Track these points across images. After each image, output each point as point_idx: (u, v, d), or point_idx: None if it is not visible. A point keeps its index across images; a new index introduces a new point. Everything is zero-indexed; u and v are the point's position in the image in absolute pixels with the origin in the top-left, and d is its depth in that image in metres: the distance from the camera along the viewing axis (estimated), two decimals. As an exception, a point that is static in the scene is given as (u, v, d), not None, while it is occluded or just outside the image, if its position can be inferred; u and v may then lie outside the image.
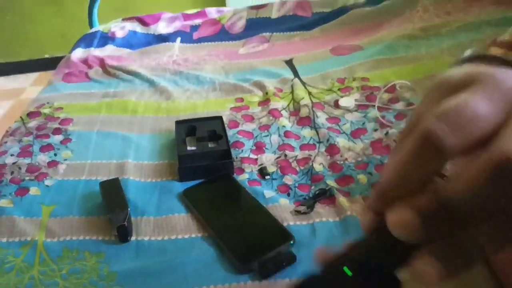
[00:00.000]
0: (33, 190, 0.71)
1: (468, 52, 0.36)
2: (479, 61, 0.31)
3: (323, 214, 0.62)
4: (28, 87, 2.85)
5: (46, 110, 0.93)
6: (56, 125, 0.87)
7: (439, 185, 0.20)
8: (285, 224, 0.60)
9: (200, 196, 0.66)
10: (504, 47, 0.39)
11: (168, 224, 0.62)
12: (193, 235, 0.60)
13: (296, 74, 1.00)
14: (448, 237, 0.20)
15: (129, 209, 0.61)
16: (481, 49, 0.39)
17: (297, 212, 0.62)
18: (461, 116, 0.19)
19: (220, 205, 0.65)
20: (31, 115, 0.92)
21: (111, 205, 0.62)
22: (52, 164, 0.77)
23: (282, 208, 0.63)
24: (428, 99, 0.22)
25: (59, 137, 0.84)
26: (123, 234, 0.59)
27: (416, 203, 0.20)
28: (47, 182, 0.72)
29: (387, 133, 0.76)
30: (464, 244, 0.20)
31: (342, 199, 0.63)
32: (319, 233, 0.59)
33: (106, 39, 1.27)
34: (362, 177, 0.68)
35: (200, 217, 0.62)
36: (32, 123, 0.89)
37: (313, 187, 0.67)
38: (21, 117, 0.92)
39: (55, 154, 0.79)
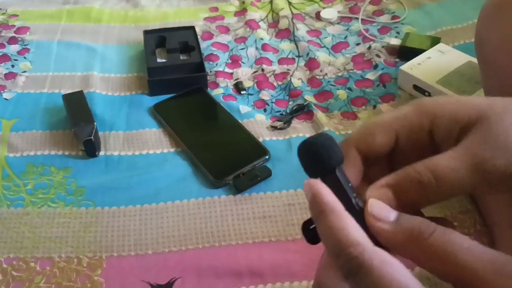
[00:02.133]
0: (-9, 104, 0.66)
1: None
2: None
3: (300, 129, 0.60)
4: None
5: (-1, 17, 0.84)
6: (11, 34, 0.79)
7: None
8: (260, 139, 0.58)
9: (172, 111, 0.63)
10: None
11: (138, 139, 0.60)
12: (165, 150, 0.58)
13: (275, -18, 0.92)
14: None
15: (95, 123, 0.58)
16: None
17: (274, 128, 0.60)
18: None
19: (193, 120, 0.62)
20: (-18, 22, 0.83)
21: (76, 119, 0.58)
22: (10, 76, 0.71)
23: (258, 123, 0.61)
24: None
25: (16, 47, 0.76)
26: (91, 148, 0.56)
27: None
28: (6, 95, 0.67)
29: (369, 47, 0.73)
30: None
31: (320, 115, 0.61)
32: (296, 148, 0.57)
33: None
34: (341, 93, 0.66)
35: (173, 132, 0.59)
36: (-16, 31, 0.80)
37: (290, 103, 0.65)
38: (-29, 24, 0.83)
39: (13, 66, 0.73)
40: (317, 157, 0.25)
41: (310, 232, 0.25)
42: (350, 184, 0.25)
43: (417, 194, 0.23)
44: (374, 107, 0.63)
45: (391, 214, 0.22)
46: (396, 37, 0.74)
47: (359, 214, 0.23)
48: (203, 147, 0.57)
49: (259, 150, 0.56)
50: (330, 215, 0.22)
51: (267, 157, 0.55)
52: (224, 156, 0.56)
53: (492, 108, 0.23)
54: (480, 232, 0.47)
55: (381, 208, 0.22)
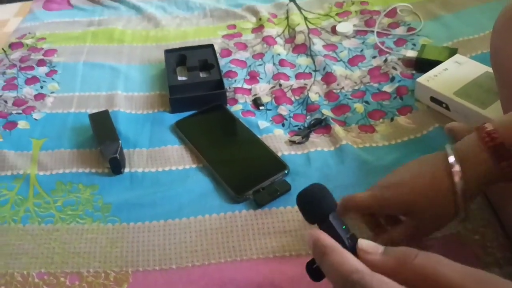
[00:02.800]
0: (22, 124, 0.69)
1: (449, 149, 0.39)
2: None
3: (318, 143, 0.61)
4: (12, 18, 2.70)
5: (28, 41, 0.88)
6: (40, 57, 0.83)
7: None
8: (279, 154, 0.59)
9: (193, 128, 0.65)
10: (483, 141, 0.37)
11: (161, 155, 0.62)
12: (187, 166, 0.60)
13: (291, -2, 0.94)
14: None
15: (120, 141, 0.60)
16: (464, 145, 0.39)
17: (292, 142, 0.61)
18: None
19: (213, 136, 0.64)
20: (13, 46, 0.88)
21: (101, 138, 0.61)
22: (39, 97, 0.74)
23: (277, 138, 0.62)
24: None
25: (44, 69, 0.80)
26: (116, 166, 0.58)
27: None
28: (35, 115, 0.70)
29: (386, 60, 0.73)
30: None
31: (337, 128, 0.62)
32: (314, 162, 0.58)
33: (87, -38, 1.17)
34: (358, 106, 0.66)
35: (194, 149, 0.61)
36: (15, 55, 0.85)
37: (308, 117, 0.66)
38: (3, 48, 0.88)
39: (41, 87, 0.76)
40: (312, 207, 0.30)
41: (314, 271, 0.29)
42: (344, 226, 0.29)
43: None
44: (392, 119, 0.63)
45: (379, 248, 0.27)
46: (412, 49, 0.74)
47: (352, 251, 0.27)
48: (223, 163, 0.58)
49: (278, 165, 0.57)
50: (331, 254, 0.26)
51: (286, 171, 0.56)
52: (244, 172, 0.58)
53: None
54: (503, 245, 0.47)
55: (370, 245, 0.27)
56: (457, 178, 0.37)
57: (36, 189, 0.58)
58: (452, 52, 0.70)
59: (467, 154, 0.37)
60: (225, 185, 0.55)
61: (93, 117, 0.65)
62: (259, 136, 0.62)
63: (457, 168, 0.37)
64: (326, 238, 0.27)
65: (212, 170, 0.58)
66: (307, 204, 0.31)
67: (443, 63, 0.66)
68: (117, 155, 0.58)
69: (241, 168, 0.58)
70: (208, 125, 0.66)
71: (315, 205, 0.30)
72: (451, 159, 0.37)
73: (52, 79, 0.78)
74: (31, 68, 0.81)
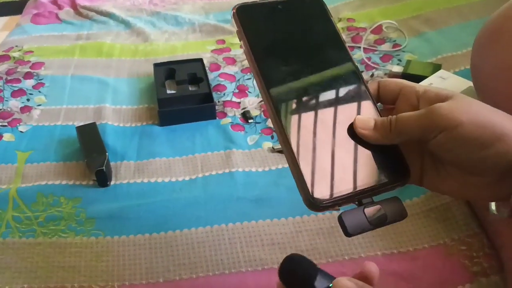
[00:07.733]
0: (7, 137, 0.68)
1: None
2: None
3: (306, 156, 0.61)
4: (-2, 33, 2.68)
5: (15, 54, 0.88)
6: (27, 69, 0.83)
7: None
8: (266, 168, 0.59)
9: (265, 26, 0.31)
10: None
11: (149, 168, 0.61)
12: (173, 179, 0.59)
13: (279, 14, 0.95)
14: None
15: (107, 153, 0.59)
16: None
17: (273, 149, 0.62)
18: None
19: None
20: (-1, 59, 0.87)
21: (88, 150, 0.60)
22: (25, 109, 0.73)
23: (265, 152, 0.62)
24: None
25: (31, 82, 0.80)
26: (102, 178, 0.57)
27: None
28: (21, 128, 0.70)
29: (372, 75, 0.75)
30: None
31: (325, 141, 0.62)
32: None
33: (77, -23, 1.18)
34: (346, 120, 0.67)
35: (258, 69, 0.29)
36: (1, 68, 0.84)
37: (296, 130, 0.66)
38: (-12, 61, 0.87)
39: (28, 100, 0.76)
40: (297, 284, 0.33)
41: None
42: (330, 285, 0.31)
43: (385, 130, 0.30)
44: (379, 133, 0.64)
45: (371, 122, 0.30)
46: (398, 64, 0.76)
47: None
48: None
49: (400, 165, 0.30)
50: None
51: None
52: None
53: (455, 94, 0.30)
54: (489, 255, 0.47)
55: (363, 120, 0.30)
56: None
57: (15, 202, 0.57)
58: (436, 67, 0.71)
59: None
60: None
61: (80, 129, 0.65)
62: (247, 151, 0.62)
63: None
64: None
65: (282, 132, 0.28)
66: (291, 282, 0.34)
67: (428, 78, 0.67)
68: (104, 167, 0.57)
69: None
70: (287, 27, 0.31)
71: (299, 280, 0.33)
72: None
73: (39, 91, 0.77)
74: (18, 80, 0.80)
